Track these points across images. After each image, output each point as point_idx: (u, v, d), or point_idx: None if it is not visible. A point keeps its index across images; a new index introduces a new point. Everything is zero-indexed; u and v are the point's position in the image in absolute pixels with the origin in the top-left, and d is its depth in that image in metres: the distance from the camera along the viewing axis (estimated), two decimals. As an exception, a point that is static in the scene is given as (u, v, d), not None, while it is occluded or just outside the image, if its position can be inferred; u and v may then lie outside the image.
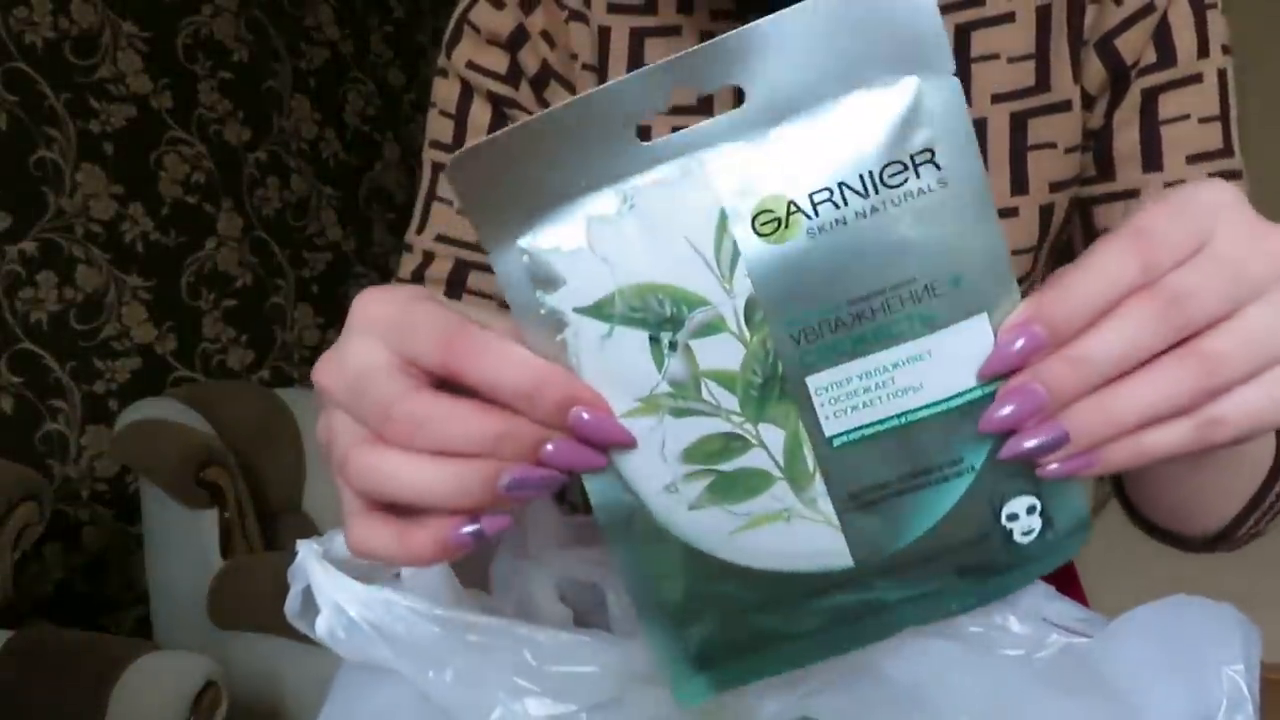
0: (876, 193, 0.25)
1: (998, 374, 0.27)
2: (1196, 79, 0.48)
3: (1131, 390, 0.26)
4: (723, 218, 0.26)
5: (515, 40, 0.53)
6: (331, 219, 2.85)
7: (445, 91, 0.55)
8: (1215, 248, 0.26)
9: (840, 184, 0.25)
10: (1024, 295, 0.27)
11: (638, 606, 0.31)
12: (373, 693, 0.34)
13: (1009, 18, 0.48)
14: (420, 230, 0.55)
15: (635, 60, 0.52)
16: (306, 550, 0.32)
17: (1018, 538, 0.29)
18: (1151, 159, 0.48)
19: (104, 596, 2.13)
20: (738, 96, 0.26)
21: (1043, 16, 0.48)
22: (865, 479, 0.28)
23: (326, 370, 0.29)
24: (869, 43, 0.25)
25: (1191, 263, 0.26)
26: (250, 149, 2.60)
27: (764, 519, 0.29)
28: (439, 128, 0.55)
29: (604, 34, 0.52)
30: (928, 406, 0.27)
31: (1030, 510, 0.29)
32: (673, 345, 0.27)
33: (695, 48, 0.25)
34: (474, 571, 0.39)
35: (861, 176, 0.25)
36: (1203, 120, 0.48)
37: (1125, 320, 0.25)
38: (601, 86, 0.25)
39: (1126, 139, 0.49)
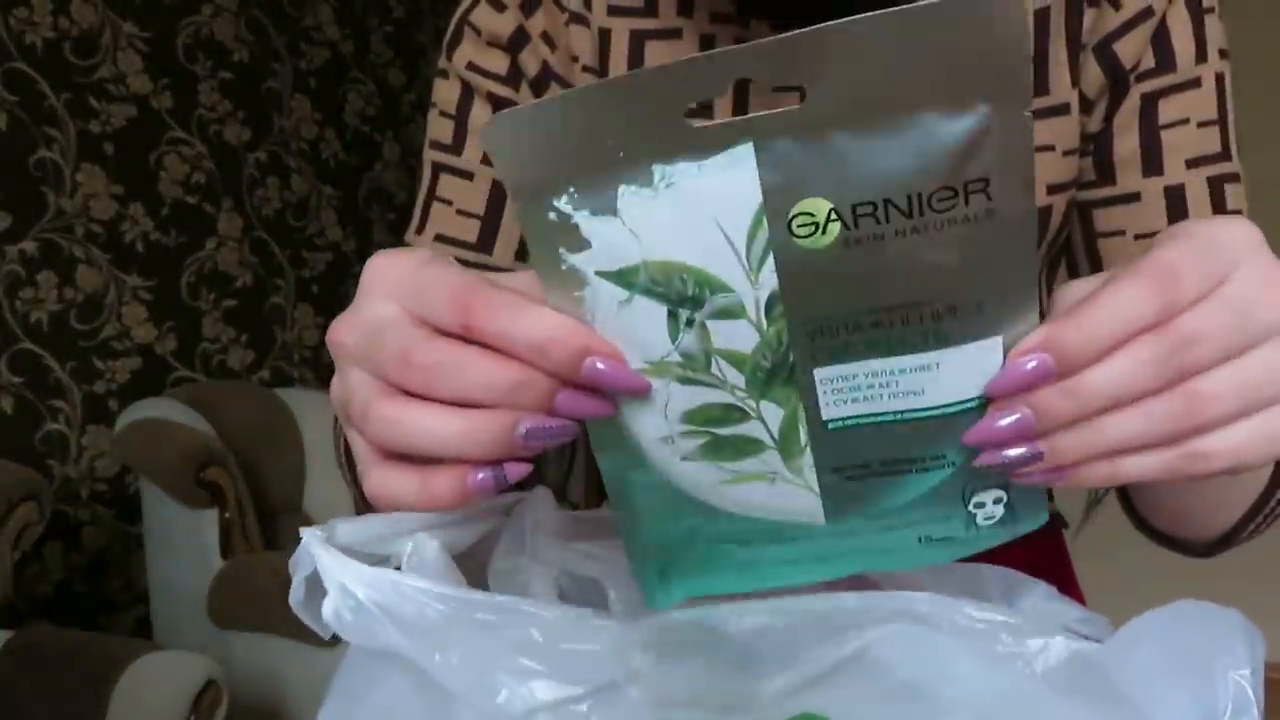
0: (921, 215, 0.25)
1: (1002, 394, 0.27)
2: (1195, 83, 0.48)
3: (1113, 420, 0.26)
4: (760, 213, 0.26)
5: (516, 42, 0.53)
6: (331, 219, 2.85)
7: (446, 92, 0.56)
8: (1230, 290, 0.26)
9: (886, 200, 0.25)
10: None
11: (612, 500, 0.32)
12: (374, 690, 0.34)
13: (1009, 20, 0.48)
14: (420, 230, 0.56)
15: (635, 63, 0.52)
16: (310, 537, 0.31)
17: (980, 521, 0.31)
18: (1151, 163, 0.49)
19: (104, 596, 2.13)
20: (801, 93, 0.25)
21: (1041, 20, 0.48)
22: (851, 459, 0.30)
23: (342, 328, 0.30)
24: (948, 63, 0.23)
25: (1204, 305, 0.26)
26: (250, 149, 2.60)
27: (750, 477, 0.31)
28: (439, 128, 0.55)
29: (604, 36, 0.52)
30: (925, 409, 0.28)
31: (996, 501, 0.30)
32: (690, 322, 0.28)
33: (767, 40, 0.23)
34: (473, 571, 0.39)
35: (910, 197, 0.25)
36: (1201, 124, 0.48)
37: (1130, 360, 0.26)
38: (661, 66, 0.24)
39: (1126, 143, 0.49)
